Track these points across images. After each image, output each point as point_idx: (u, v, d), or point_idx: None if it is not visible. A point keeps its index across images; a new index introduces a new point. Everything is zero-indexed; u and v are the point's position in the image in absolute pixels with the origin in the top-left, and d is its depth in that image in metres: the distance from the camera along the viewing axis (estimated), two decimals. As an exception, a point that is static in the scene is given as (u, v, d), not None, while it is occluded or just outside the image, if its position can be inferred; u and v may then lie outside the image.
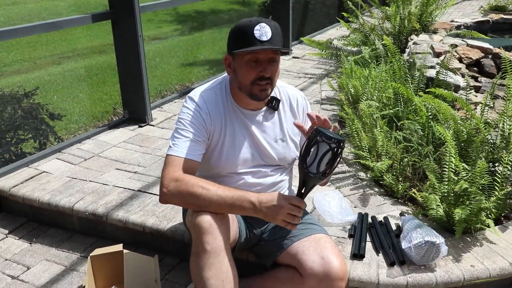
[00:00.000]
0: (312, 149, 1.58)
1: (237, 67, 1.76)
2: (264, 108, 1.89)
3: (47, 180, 2.82)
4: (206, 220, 1.66)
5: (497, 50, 4.77)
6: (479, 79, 4.42)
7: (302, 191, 1.67)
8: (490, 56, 4.74)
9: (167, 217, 2.41)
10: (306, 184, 1.64)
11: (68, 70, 8.46)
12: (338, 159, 1.59)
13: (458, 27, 6.46)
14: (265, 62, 1.72)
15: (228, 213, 1.74)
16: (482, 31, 5.26)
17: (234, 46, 1.73)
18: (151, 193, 2.65)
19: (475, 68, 4.64)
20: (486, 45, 4.84)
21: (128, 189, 2.70)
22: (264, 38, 1.67)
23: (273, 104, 1.89)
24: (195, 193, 1.67)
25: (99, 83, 7.49)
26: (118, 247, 2.21)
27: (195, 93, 1.86)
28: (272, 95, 1.89)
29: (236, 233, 1.88)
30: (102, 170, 2.94)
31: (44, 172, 2.92)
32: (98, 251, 2.18)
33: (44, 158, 3.10)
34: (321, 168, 1.58)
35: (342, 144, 1.56)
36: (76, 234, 2.61)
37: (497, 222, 2.34)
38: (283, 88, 1.95)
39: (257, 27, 1.67)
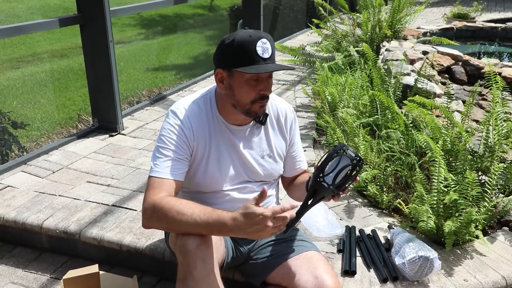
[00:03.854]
0: (333, 160, 1.55)
1: (236, 85, 1.63)
2: (251, 123, 1.79)
3: (12, 195, 2.62)
4: (193, 242, 1.55)
5: (466, 57, 4.84)
6: (450, 85, 4.46)
7: (309, 202, 1.59)
8: (460, 63, 4.80)
9: (145, 234, 2.27)
10: (316, 195, 1.57)
11: (28, 74, 8.10)
12: (354, 178, 1.57)
13: (424, 34, 6.57)
14: (265, 80, 1.63)
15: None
16: (447, 38, 5.34)
17: (233, 63, 1.60)
18: (127, 208, 2.50)
19: (446, 75, 4.69)
20: (456, 52, 4.91)
21: (102, 204, 2.54)
22: (266, 55, 1.58)
23: (261, 119, 1.79)
24: (170, 219, 1.55)
25: (62, 88, 7.20)
26: (94, 268, 2.06)
27: (178, 106, 1.74)
28: None
29: (223, 253, 1.78)
30: (72, 183, 2.76)
31: (8, 186, 2.72)
32: (71, 273, 2.03)
33: (8, 171, 2.89)
34: (337, 181, 1.54)
35: (362, 163, 1.54)
36: (44, 253, 2.44)
37: (484, 233, 2.32)
38: (271, 100, 1.85)
39: (259, 43, 1.57)
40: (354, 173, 1.54)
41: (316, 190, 1.57)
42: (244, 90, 1.62)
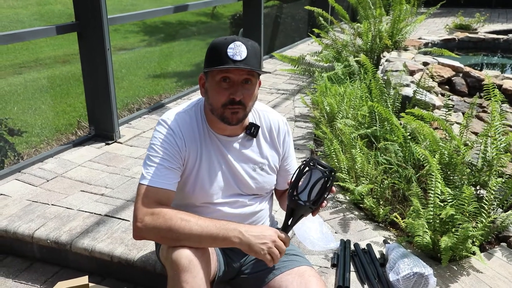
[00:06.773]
0: (304, 176, 1.52)
1: (209, 88, 1.63)
2: (242, 134, 1.76)
3: (4, 204, 2.60)
4: (185, 256, 1.52)
5: (467, 68, 4.81)
6: (450, 97, 4.44)
7: (289, 222, 1.56)
8: (461, 75, 4.77)
9: (137, 246, 2.24)
10: (294, 213, 1.55)
11: (30, 80, 8.12)
12: (329, 189, 1.53)
13: (426, 45, 6.55)
14: (237, 84, 1.58)
15: (208, 247, 1.60)
16: (448, 49, 5.34)
17: (206, 65, 1.61)
18: (120, 218, 2.47)
19: (447, 86, 4.66)
20: (456, 63, 4.88)
21: (95, 213, 2.51)
22: (238, 58, 1.54)
23: (252, 131, 1.76)
24: (173, 226, 1.52)
25: (63, 94, 7.21)
26: (84, 279, 2.03)
27: (168, 116, 1.71)
28: (251, 120, 1.77)
29: (215, 267, 1.74)
30: (66, 192, 2.74)
31: (1, 194, 2.70)
32: (61, 285, 2.00)
33: (2, 179, 2.87)
34: (312, 196, 1.50)
35: (334, 173, 1.51)
36: (36, 263, 2.40)
37: (481, 248, 2.28)
38: (263, 112, 1.82)
39: (231, 45, 1.55)
40: (328, 185, 1.51)
41: (293, 209, 1.54)
42: (215, 93, 1.60)
